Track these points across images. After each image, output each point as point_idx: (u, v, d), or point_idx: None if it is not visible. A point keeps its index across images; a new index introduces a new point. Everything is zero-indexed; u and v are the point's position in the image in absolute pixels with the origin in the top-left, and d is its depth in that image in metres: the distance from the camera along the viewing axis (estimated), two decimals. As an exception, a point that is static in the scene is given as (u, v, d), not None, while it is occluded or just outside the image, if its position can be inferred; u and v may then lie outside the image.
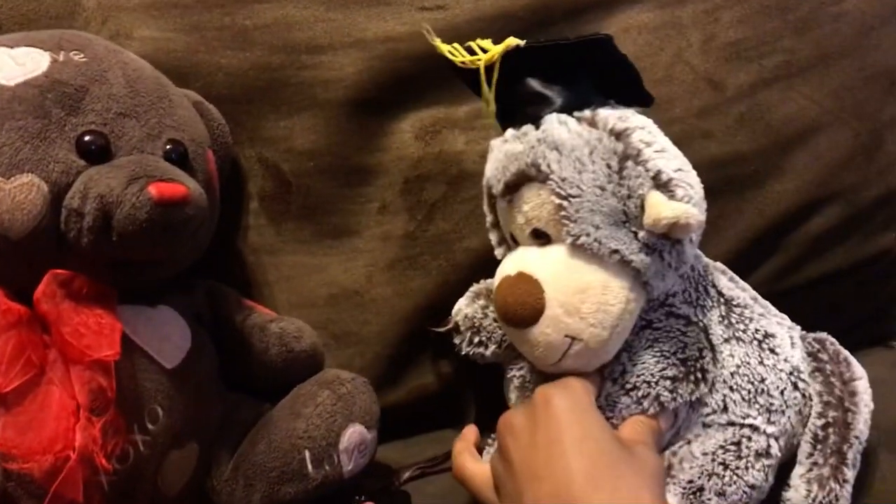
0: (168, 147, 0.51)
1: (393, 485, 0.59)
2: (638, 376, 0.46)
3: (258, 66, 0.63)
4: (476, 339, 0.56)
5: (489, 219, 0.53)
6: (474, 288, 0.58)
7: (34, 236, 0.45)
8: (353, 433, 0.54)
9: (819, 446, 0.48)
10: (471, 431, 0.55)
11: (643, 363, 0.46)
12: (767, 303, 0.53)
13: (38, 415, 0.45)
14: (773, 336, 0.50)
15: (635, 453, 0.43)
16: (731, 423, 0.47)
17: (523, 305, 0.45)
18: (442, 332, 0.57)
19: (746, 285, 0.53)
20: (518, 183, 0.46)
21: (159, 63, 0.57)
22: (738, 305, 0.51)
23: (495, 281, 0.49)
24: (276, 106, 0.64)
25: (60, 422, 0.45)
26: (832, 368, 0.50)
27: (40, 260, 0.46)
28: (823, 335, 0.53)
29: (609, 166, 0.44)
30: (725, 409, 0.47)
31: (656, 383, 0.46)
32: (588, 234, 0.43)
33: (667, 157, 0.44)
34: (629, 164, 0.44)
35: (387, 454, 0.61)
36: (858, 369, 0.50)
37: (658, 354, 0.46)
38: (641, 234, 0.44)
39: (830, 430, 0.48)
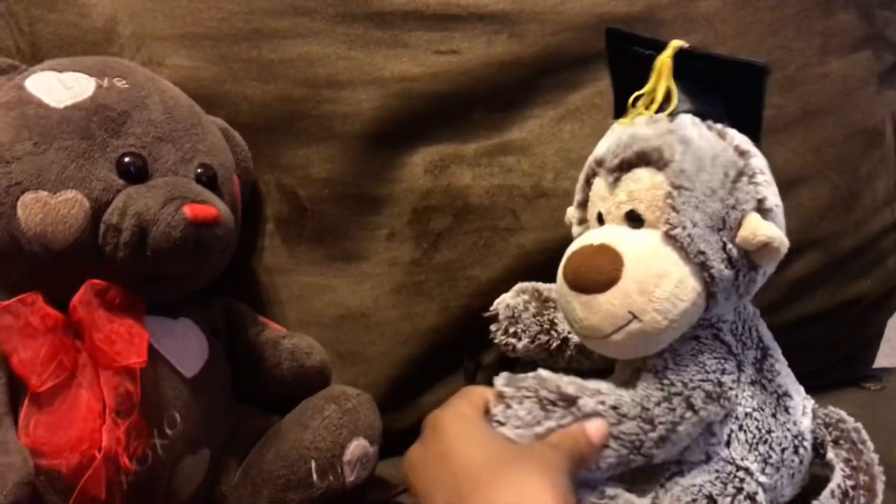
0: (199, 171, 0.53)
1: (392, 498, 0.60)
2: (677, 375, 0.46)
3: (281, 97, 0.65)
4: (511, 330, 0.58)
5: (578, 197, 0.53)
6: (520, 285, 0.60)
7: (74, 248, 0.48)
8: (357, 446, 0.55)
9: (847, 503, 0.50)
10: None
11: (685, 366, 0.47)
12: (790, 371, 0.54)
13: (68, 415, 0.47)
14: (790, 397, 0.51)
15: (534, 449, 0.43)
16: (729, 461, 0.48)
17: (599, 272, 0.45)
18: (487, 318, 0.59)
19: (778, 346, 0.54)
20: (634, 163, 0.47)
21: (188, 90, 0.59)
22: (771, 356, 0.52)
23: (572, 248, 0.48)
24: (295, 136, 0.66)
25: (88, 423, 0.47)
26: (855, 437, 0.51)
27: (78, 271, 0.48)
28: (837, 411, 0.53)
29: (726, 175, 0.45)
30: (728, 444, 0.48)
31: (693, 389, 0.46)
32: (684, 228, 0.44)
33: (773, 191, 0.47)
34: (744, 179, 0.46)
35: (385, 470, 0.61)
36: (869, 441, 0.51)
37: (700, 366, 0.47)
38: (730, 246, 0.45)
39: (860, 492, 0.49)
